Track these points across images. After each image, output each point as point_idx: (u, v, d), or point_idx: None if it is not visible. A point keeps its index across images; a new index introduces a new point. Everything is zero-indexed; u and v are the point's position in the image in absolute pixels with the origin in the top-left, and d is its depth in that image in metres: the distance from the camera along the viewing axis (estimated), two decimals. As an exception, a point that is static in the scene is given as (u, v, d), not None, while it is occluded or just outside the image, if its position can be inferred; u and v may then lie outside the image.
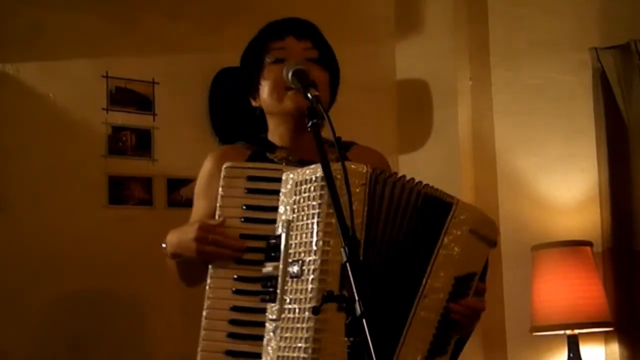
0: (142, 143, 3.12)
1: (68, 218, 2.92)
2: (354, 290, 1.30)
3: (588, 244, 3.28)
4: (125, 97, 3.12)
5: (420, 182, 1.72)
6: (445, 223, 1.70)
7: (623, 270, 3.29)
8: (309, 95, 1.60)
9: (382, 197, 1.63)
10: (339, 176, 1.47)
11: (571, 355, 3.16)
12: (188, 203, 3.11)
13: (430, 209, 1.70)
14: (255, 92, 1.95)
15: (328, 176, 1.45)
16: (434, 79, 3.71)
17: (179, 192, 3.15)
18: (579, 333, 3.17)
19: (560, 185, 3.52)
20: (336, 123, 1.50)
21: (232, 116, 2.97)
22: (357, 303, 1.29)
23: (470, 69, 3.65)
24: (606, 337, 3.29)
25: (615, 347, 3.25)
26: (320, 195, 1.55)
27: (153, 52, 3.19)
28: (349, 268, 1.32)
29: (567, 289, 3.16)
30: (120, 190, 3.05)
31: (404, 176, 1.69)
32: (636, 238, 3.29)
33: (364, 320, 1.27)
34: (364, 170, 1.59)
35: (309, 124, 1.55)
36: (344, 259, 1.33)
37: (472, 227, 1.73)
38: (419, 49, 3.76)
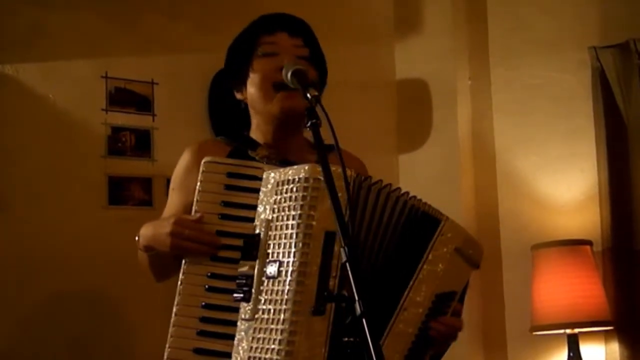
0: (142, 143, 3.12)
1: (68, 218, 2.92)
2: (354, 290, 1.30)
3: (588, 243, 3.28)
4: (124, 97, 3.12)
5: (407, 193, 1.72)
6: (432, 239, 1.71)
7: (623, 269, 3.29)
8: (308, 95, 1.59)
9: (365, 202, 1.63)
10: (322, 178, 1.47)
11: (571, 354, 3.17)
12: (188, 203, 3.13)
13: (419, 223, 1.70)
14: (241, 84, 1.91)
15: (328, 177, 1.44)
16: (434, 79, 3.70)
17: (178, 193, 3.15)
18: (579, 332, 3.17)
19: (560, 184, 3.52)
20: (335, 122, 1.50)
21: (231, 116, 2.96)
22: (357, 303, 1.29)
23: (470, 69, 3.66)
24: (606, 336, 3.29)
25: (615, 346, 3.25)
26: (303, 196, 1.54)
27: (152, 52, 3.19)
28: (348, 268, 1.32)
29: (567, 288, 3.16)
30: (120, 191, 3.05)
31: (389, 184, 1.69)
32: (636, 237, 3.29)
33: (364, 320, 1.27)
34: (349, 174, 1.57)
35: (308, 124, 1.54)
36: (344, 258, 1.33)
37: (457, 246, 1.74)
38: (418, 48, 3.76)
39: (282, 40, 1.88)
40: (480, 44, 3.69)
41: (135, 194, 3.08)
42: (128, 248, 2.96)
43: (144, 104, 3.15)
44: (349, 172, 1.56)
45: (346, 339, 1.51)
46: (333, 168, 1.49)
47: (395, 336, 1.65)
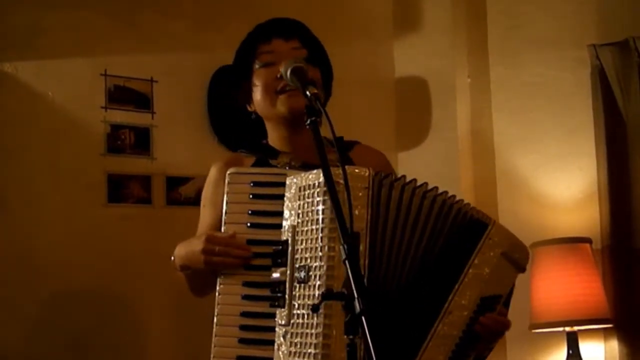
0: (141, 141, 3.12)
1: (67, 216, 2.92)
2: (353, 288, 1.30)
3: (587, 240, 3.28)
4: (123, 95, 3.11)
5: (445, 192, 1.71)
6: (479, 243, 1.72)
7: (622, 267, 3.29)
8: (307, 93, 1.59)
9: (388, 200, 1.63)
10: (341, 180, 1.47)
11: (570, 352, 3.17)
12: (187, 201, 3.13)
13: (466, 227, 1.71)
14: (249, 97, 1.95)
15: (328, 179, 1.44)
16: (433, 77, 3.70)
17: (178, 191, 3.15)
18: (578, 330, 3.17)
19: (559, 182, 3.52)
20: (334, 121, 1.50)
21: (230, 114, 2.97)
22: (356, 300, 1.29)
23: (469, 67, 3.65)
24: (605, 334, 3.29)
25: (614, 344, 3.25)
26: (324, 200, 1.56)
27: (151, 50, 3.18)
28: (347, 265, 1.32)
29: (566, 285, 3.16)
30: (119, 189, 3.05)
31: (414, 180, 1.68)
32: (635, 235, 3.29)
33: (363, 318, 1.27)
34: (366, 174, 1.59)
35: (307, 122, 1.54)
36: (343, 256, 1.33)
37: (504, 250, 1.74)
38: (417, 46, 3.76)
39: (278, 46, 1.90)
40: (479, 42, 3.69)
41: (134, 191, 3.08)
42: (128, 245, 2.99)
43: (143, 101, 3.15)
44: (367, 171, 1.59)
45: (345, 336, 1.51)
46: (355, 169, 1.53)
47: (440, 339, 1.66)
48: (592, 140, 3.44)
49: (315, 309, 1.41)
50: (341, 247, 1.35)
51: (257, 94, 1.91)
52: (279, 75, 1.79)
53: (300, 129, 1.89)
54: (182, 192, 3.15)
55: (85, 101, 3.03)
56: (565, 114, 3.53)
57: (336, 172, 1.49)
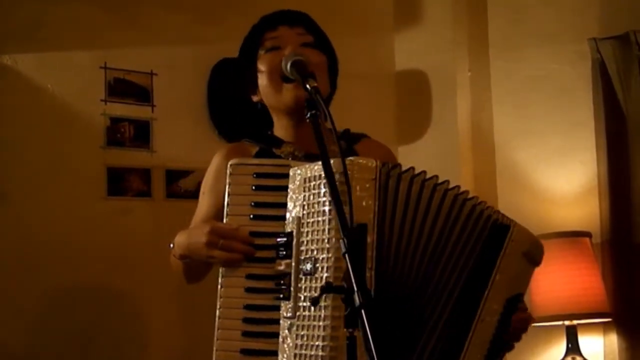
0: (141, 134, 3.12)
1: (66, 210, 2.92)
2: (353, 281, 1.30)
3: (587, 235, 3.28)
4: (123, 88, 3.11)
5: (447, 181, 1.69)
6: (503, 246, 1.71)
7: (622, 261, 3.29)
8: (307, 86, 1.59)
9: (396, 192, 1.60)
10: (349, 171, 1.47)
11: (570, 346, 3.17)
12: (187, 194, 3.13)
13: (489, 230, 1.70)
14: (254, 86, 1.93)
15: (327, 170, 1.44)
16: (433, 71, 3.70)
17: (177, 184, 3.15)
18: (578, 324, 3.18)
19: (559, 176, 3.52)
20: (335, 114, 1.50)
21: (230, 107, 2.97)
22: (356, 294, 1.29)
23: (470, 61, 3.65)
24: (605, 328, 3.29)
25: (613, 338, 3.25)
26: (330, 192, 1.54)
27: (151, 43, 3.18)
28: (347, 259, 1.32)
29: (565, 280, 3.17)
30: (119, 182, 3.05)
31: (423, 172, 1.65)
32: (635, 229, 3.29)
33: (362, 312, 1.27)
34: (373, 165, 1.56)
35: (308, 116, 1.54)
36: (343, 250, 1.33)
37: (524, 250, 1.75)
38: (418, 40, 3.76)
39: (284, 32, 1.88)
40: (480, 36, 3.68)
41: (134, 184, 3.08)
42: (127, 238, 3.00)
43: (143, 94, 3.15)
44: (374, 162, 1.56)
45: (345, 330, 1.51)
46: (361, 160, 1.51)
47: (475, 347, 1.67)
48: (592, 134, 3.44)
49: (314, 302, 1.41)
50: (341, 240, 1.34)
51: (263, 80, 1.88)
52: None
53: (305, 119, 1.89)
54: (182, 185, 3.14)
55: (85, 94, 3.03)
56: (566, 108, 3.53)
57: (337, 163, 1.48)
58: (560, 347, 3.24)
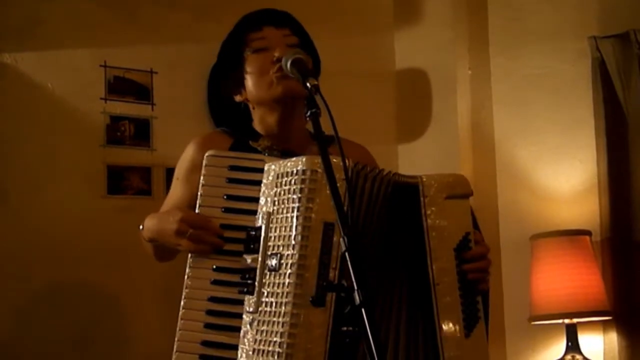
0: (141, 133, 3.12)
1: (66, 208, 2.91)
2: (353, 280, 1.30)
3: (587, 233, 3.28)
4: (123, 86, 3.11)
5: (390, 172, 1.71)
6: (420, 206, 1.70)
7: (621, 260, 3.29)
8: (308, 84, 1.59)
9: (362, 191, 1.64)
10: (319, 170, 1.48)
11: (569, 344, 3.17)
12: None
13: (402, 198, 1.69)
14: (239, 86, 1.93)
15: (328, 168, 1.44)
16: (433, 69, 3.70)
17: (177, 182, 3.15)
18: (578, 322, 3.18)
19: (559, 174, 3.52)
20: (335, 113, 1.50)
21: (230, 106, 2.96)
22: (356, 292, 1.29)
23: (470, 59, 3.65)
24: (604, 326, 3.29)
25: (613, 336, 3.26)
26: (301, 189, 1.55)
27: (151, 41, 3.18)
28: (347, 257, 1.32)
29: (565, 278, 3.17)
30: (119, 180, 3.04)
31: (382, 170, 1.68)
32: (634, 227, 3.29)
33: (362, 310, 1.27)
34: (347, 165, 1.57)
35: (308, 114, 1.54)
36: (343, 248, 1.33)
37: (446, 194, 1.73)
38: (418, 38, 3.75)
39: (270, 33, 1.89)
40: (480, 34, 3.68)
41: (134, 183, 3.07)
42: (127, 237, 2.98)
43: (143, 93, 3.15)
44: (347, 163, 1.56)
45: (345, 328, 1.51)
46: (334, 160, 1.49)
47: (446, 311, 1.67)
48: (592, 132, 3.44)
49: (316, 301, 1.41)
50: (341, 239, 1.34)
51: (251, 80, 1.89)
52: (274, 59, 1.78)
53: (291, 116, 1.89)
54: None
55: (84, 92, 3.03)
56: (566, 106, 3.53)
57: (316, 161, 1.50)
58: (560, 345, 3.25)
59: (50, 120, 2.95)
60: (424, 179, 1.71)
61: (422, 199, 1.70)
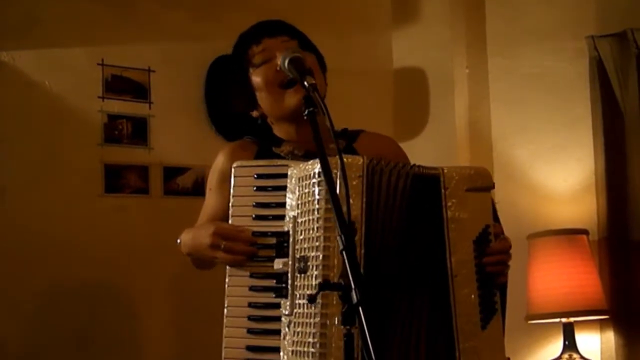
0: (138, 131, 3.12)
1: (64, 207, 2.91)
2: (350, 278, 1.30)
3: (584, 232, 3.28)
4: (121, 85, 3.11)
5: (409, 164, 1.72)
6: (440, 198, 1.70)
7: (619, 259, 3.29)
8: (305, 83, 1.59)
9: (379, 187, 1.64)
10: (336, 170, 1.49)
11: (567, 343, 3.18)
12: (184, 191, 3.13)
13: (422, 190, 1.70)
14: (252, 103, 1.95)
15: (325, 168, 1.45)
16: (431, 68, 3.70)
17: (175, 181, 3.15)
18: (575, 321, 3.18)
19: (557, 173, 3.52)
20: (333, 111, 1.50)
21: (228, 104, 2.97)
22: (353, 291, 1.29)
23: (467, 58, 3.65)
24: (601, 325, 3.30)
25: (610, 335, 3.26)
26: (319, 191, 1.58)
27: (149, 39, 3.17)
28: (345, 256, 1.32)
29: (563, 277, 3.17)
30: (116, 179, 3.04)
31: (399, 163, 1.69)
32: (632, 226, 3.29)
33: (360, 309, 1.27)
34: (360, 162, 1.61)
35: (305, 113, 1.54)
36: (340, 247, 1.34)
37: (467, 187, 1.73)
38: (416, 37, 3.76)
39: (269, 43, 1.90)
40: (478, 33, 3.68)
41: (131, 181, 3.07)
42: (125, 236, 2.99)
43: (140, 91, 3.15)
44: (360, 160, 1.60)
45: (342, 327, 1.51)
46: (348, 159, 1.53)
47: (463, 303, 1.67)
48: (589, 131, 3.44)
49: (312, 299, 1.42)
50: (338, 237, 1.35)
51: (262, 94, 1.91)
52: (278, 68, 1.79)
53: (306, 121, 1.90)
54: (179, 182, 3.14)
55: (82, 91, 3.03)
56: (563, 105, 3.53)
57: (333, 162, 1.50)
58: (557, 344, 3.25)
59: (47, 118, 2.95)
60: (445, 171, 1.73)
61: (442, 190, 1.71)
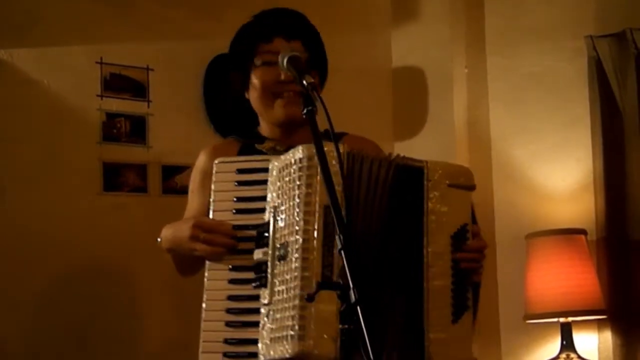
0: (137, 130, 3.11)
1: (62, 205, 2.91)
2: (349, 277, 1.30)
3: (582, 232, 3.29)
4: (119, 83, 3.10)
5: (392, 154, 1.73)
6: (423, 188, 1.72)
7: (617, 259, 3.30)
8: (304, 82, 1.59)
9: (360, 175, 1.66)
10: (316, 156, 1.49)
11: (564, 342, 3.18)
12: (183, 190, 3.11)
13: (405, 180, 1.72)
14: (247, 87, 1.97)
15: (322, 158, 1.45)
16: (430, 67, 3.70)
17: (173, 179, 3.15)
18: (573, 321, 3.18)
19: (555, 173, 3.52)
20: (331, 111, 1.50)
21: (226, 103, 2.97)
22: (351, 290, 1.29)
23: (466, 57, 3.64)
24: (599, 325, 3.30)
25: (608, 335, 3.26)
26: (299, 176, 1.59)
27: (148, 38, 3.17)
28: (343, 255, 1.32)
29: (561, 277, 3.17)
30: (115, 177, 3.04)
31: (383, 153, 1.70)
32: (630, 226, 3.29)
33: (358, 308, 1.27)
34: (341, 151, 1.59)
35: (304, 111, 1.55)
36: (339, 246, 1.34)
37: (449, 182, 1.75)
38: (415, 36, 3.76)
39: (280, 46, 1.89)
40: (476, 33, 3.68)
41: (130, 180, 3.07)
42: (123, 235, 2.99)
43: (139, 90, 3.14)
44: (342, 149, 1.60)
45: (341, 326, 1.51)
46: (326, 146, 1.52)
47: (436, 294, 1.68)
48: (588, 131, 3.44)
49: (310, 299, 1.41)
50: (337, 237, 1.35)
51: (254, 92, 1.94)
52: (281, 80, 1.81)
53: (293, 131, 1.94)
54: (177, 181, 3.14)
55: (81, 89, 3.02)
56: (562, 105, 3.53)
57: (313, 148, 1.51)
58: (555, 344, 3.25)
59: (45, 116, 2.95)
60: (429, 164, 1.74)
61: (425, 182, 1.72)
